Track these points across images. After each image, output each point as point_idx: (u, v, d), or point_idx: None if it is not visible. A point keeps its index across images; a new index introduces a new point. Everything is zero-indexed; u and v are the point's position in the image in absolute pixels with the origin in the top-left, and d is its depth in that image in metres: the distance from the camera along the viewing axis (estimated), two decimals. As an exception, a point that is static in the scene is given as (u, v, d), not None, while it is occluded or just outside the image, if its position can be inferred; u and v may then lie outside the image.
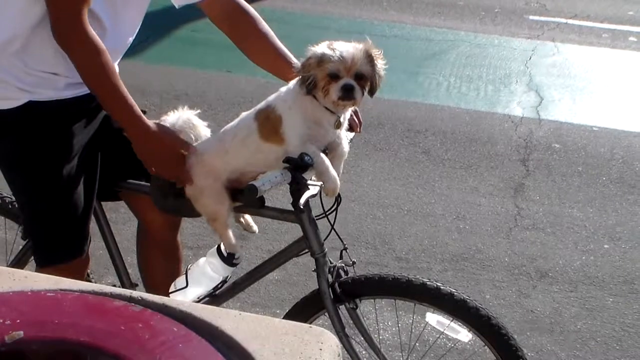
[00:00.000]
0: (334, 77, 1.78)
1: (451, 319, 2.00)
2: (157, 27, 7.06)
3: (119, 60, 2.16)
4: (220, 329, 1.14)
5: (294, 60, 2.09)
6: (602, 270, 3.55)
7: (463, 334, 2.08)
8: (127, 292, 1.20)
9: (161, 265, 2.40)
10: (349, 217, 3.92)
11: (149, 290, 2.45)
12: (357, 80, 1.81)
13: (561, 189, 4.39)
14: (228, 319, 1.16)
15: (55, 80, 1.96)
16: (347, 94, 1.78)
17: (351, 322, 2.07)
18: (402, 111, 5.49)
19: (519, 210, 4.09)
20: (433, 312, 2.04)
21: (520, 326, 3.09)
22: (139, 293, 1.20)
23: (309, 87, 1.80)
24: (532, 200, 4.22)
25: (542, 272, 3.50)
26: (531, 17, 8.27)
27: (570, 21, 8.17)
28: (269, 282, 3.27)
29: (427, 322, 2.27)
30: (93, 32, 1.83)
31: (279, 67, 2.11)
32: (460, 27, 7.83)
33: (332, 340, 1.14)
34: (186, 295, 2.10)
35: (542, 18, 8.24)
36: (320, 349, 1.12)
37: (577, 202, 4.22)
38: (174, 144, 1.96)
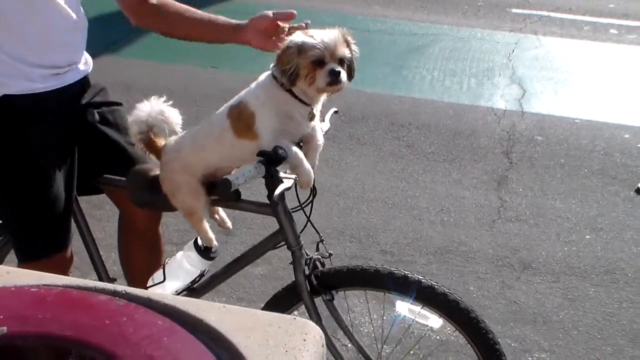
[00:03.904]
0: (318, 63, 1.77)
1: (421, 306, 2.01)
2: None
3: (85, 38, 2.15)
4: (204, 321, 1.15)
5: (223, 18, 2.07)
6: (584, 260, 3.59)
7: (433, 320, 2.10)
8: (110, 286, 1.20)
9: (142, 257, 2.40)
10: (333, 211, 3.93)
11: (130, 282, 2.45)
12: (340, 65, 1.80)
13: (544, 180, 4.42)
14: (212, 312, 1.17)
15: (29, 71, 1.95)
16: (335, 79, 1.77)
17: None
18: (386, 105, 5.50)
19: (502, 203, 4.12)
20: (403, 301, 2.06)
21: (503, 317, 3.12)
22: (123, 287, 1.21)
23: (292, 77, 1.78)
24: (515, 193, 4.25)
25: (525, 264, 3.53)
26: (514, 10, 8.32)
27: (552, 14, 8.22)
28: (254, 276, 3.27)
29: (398, 311, 2.29)
30: None
31: (212, 31, 2.09)
32: (443, 21, 7.85)
33: (315, 331, 1.15)
34: (164, 289, 2.11)
35: (525, 11, 8.28)
36: (304, 340, 1.13)
37: (559, 194, 4.26)
38: None
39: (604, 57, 6.92)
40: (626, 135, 5.13)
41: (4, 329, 1.06)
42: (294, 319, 1.18)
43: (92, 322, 1.09)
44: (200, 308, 1.17)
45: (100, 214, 3.67)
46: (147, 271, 2.24)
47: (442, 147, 4.84)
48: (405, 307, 2.08)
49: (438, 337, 2.92)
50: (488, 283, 3.37)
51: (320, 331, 1.17)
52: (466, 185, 4.32)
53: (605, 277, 3.46)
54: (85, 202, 3.75)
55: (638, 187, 4.34)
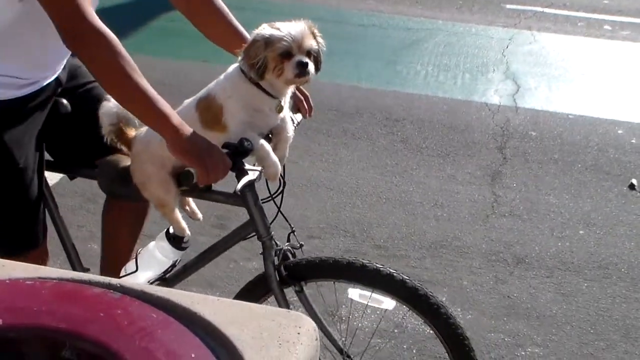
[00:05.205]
0: (286, 55, 1.79)
1: (372, 290, 2.03)
2: (131, 17, 7.02)
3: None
4: (198, 314, 1.15)
5: (249, 37, 2.09)
6: (577, 255, 3.60)
7: (387, 303, 2.12)
8: (105, 279, 1.20)
9: (125, 233, 2.38)
10: (327, 206, 3.93)
11: (107, 261, 2.42)
12: (307, 57, 1.82)
13: (537, 176, 4.43)
14: (206, 305, 1.17)
15: (7, 81, 1.93)
16: (303, 70, 1.80)
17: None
18: (380, 100, 5.51)
19: (496, 198, 4.13)
20: (354, 287, 2.08)
21: (497, 311, 3.13)
22: (118, 280, 1.21)
23: (260, 70, 1.80)
24: (509, 188, 4.26)
25: (518, 258, 3.54)
26: (508, 6, 8.33)
27: (546, 10, 8.23)
28: (247, 271, 3.27)
29: (350, 298, 2.31)
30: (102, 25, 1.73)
31: (233, 43, 2.06)
32: (438, 16, 7.86)
33: (309, 325, 1.16)
34: (136, 279, 2.12)
35: (519, 7, 8.30)
36: (298, 333, 1.13)
37: (553, 189, 4.27)
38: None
39: (597, 53, 6.94)
40: (620, 131, 5.15)
41: (-2, 321, 1.07)
42: (288, 312, 1.19)
43: (86, 315, 1.09)
44: (195, 301, 1.17)
45: (95, 207, 3.66)
46: (128, 247, 2.25)
47: (436, 142, 4.84)
48: (356, 293, 2.10)
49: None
50: (481, 278, 3.37)
51: (314, 324, 1.17)
52: (460, 180, 4.32)
53: (599, 272, 3.47)
54: (79, 196, 3.76)
55: (631, 183, 4.36)
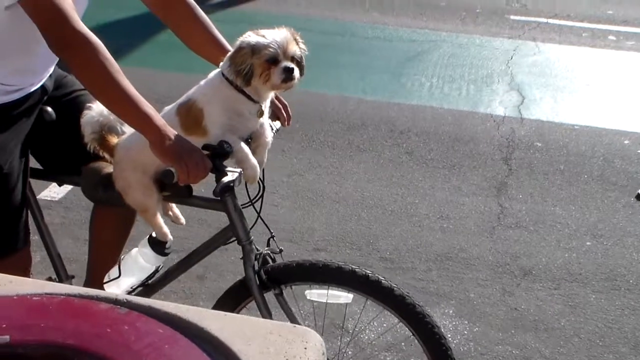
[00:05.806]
0: (272, 62, 1.85)
1: (327, 287, 2.06)
2: (137, 30, 7.04)
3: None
4: (205, 329, 1.15)
5: (230, 47, 2.10)
6: (585, 267, 3.59)
7: (344, 297, 2.14)
8: (112, 294, 1.21)
9: (110, 239, 2.40)
10: (333, 218, 3.93)
11: (91, 267, 2.44)
12: (292, 62, 1.88)
13: (543, 187, 4.43)
14: (213, 320, 1.17)
15: (0, 88, 1.96)
16: (290, 76, 1.86)
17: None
18: (385, 112, 5.51)
19: (502, 209, 4.12)
20: (310, 289, 2.11)
21: (504, 324, 3.12)
22: (124, 295, 1.21)
23: (247, 77, 1.85)
24: (514, 199, 4.25)
25: (525, 270, 3.53)
26: (512, 17, 8.33)
27: (550, 21, 8.24)
28: (255, 284, 3.28)
29: (310, 299, 2.32)
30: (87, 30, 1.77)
31: (214, 53, 2.11)
32: (442, 27, 7.87)
33: (316, 339, 1.16)
34: (119, 285, 2.14)
35: (523, 18, 8.30)
36: (305, 348, 1.13)
37: (559, 200, 4.26)
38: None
39: (602, 64, 6.94)
40: (626, 142, 5.14)
41: (7, 337, 1.07)
42: (294, 326, 1.19)
43: (94, 331, 1.09)
44: (202, 316, 1.18)
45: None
46: (114, 253, 2.25)
47: (442, 153, 4.84)
48: (314, 294, 2.13)
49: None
50: (488, 290, 3.36)
51: (321, 339, 1.17)
52: (466, 192, 4.32)
53: (607, 283, 3.46)
54: (87, 211, 3.75)
55: (638, 193, 4.35)
